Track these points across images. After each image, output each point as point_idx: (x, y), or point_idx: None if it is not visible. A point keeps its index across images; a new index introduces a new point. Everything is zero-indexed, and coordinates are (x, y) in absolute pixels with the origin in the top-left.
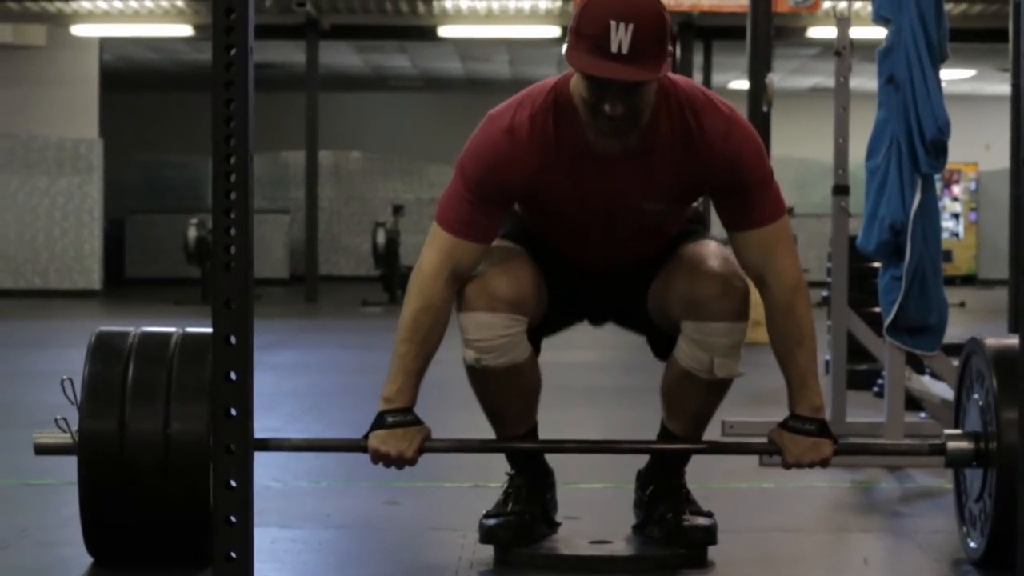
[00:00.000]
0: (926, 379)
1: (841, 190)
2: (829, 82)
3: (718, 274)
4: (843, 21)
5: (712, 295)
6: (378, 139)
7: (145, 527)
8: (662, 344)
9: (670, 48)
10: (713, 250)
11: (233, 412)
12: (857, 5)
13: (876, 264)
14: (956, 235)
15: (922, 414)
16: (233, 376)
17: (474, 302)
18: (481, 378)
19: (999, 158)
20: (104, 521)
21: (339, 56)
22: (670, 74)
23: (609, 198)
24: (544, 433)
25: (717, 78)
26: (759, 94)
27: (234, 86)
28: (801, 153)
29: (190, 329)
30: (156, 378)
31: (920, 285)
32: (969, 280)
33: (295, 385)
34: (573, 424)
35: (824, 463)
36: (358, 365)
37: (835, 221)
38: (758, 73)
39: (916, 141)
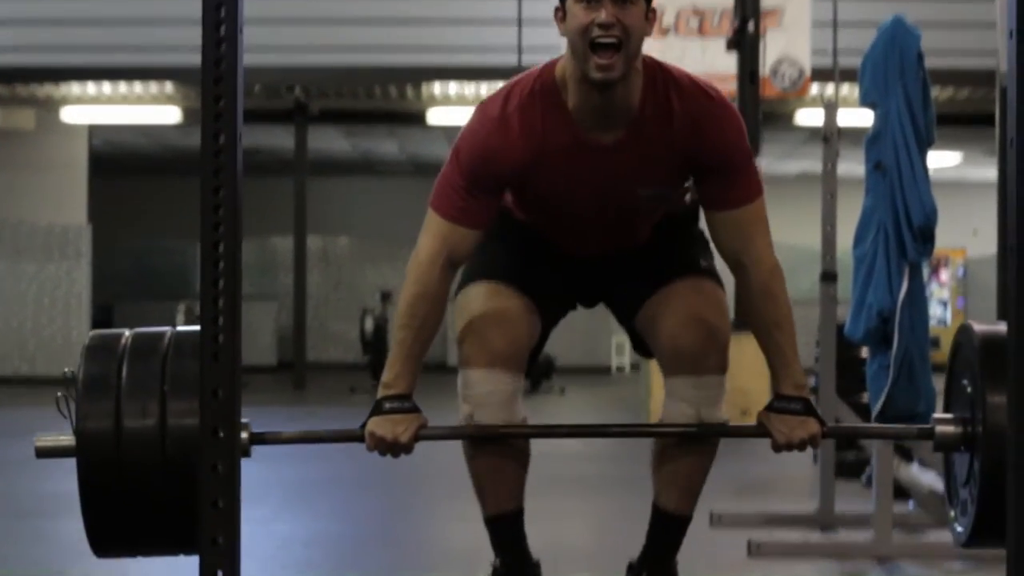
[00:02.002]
0: (915, 468)
1: (829, 277)
2: (817, 167)
3: (703, 330)
4: (830, 107)
5: (695, 352)
6: (366, 224)
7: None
8: (642, 342)
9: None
10: (702, 295)
11: (220, 504)
12: (844, 91)
13: (864, 352)
14: (944, 322)
15: (911, 503)
16: (220, 468)
17: (472, 359)
18: (475, 451)
19: (987, 244)
20: (106, 519)
21: (327, 141)
22: (656, 59)
23: (600, 183)
24: (532, 526)
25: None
26: None
27: (223, 173)
28: (789, 239)
29: (181, 328)
30: (150, 374)
31: (908, 373)
32: None
33: (284, 474)
34: (564, 515)
35: (814, 440)
36: (347, 453)
37: (823, 308)
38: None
39: (903, 228)
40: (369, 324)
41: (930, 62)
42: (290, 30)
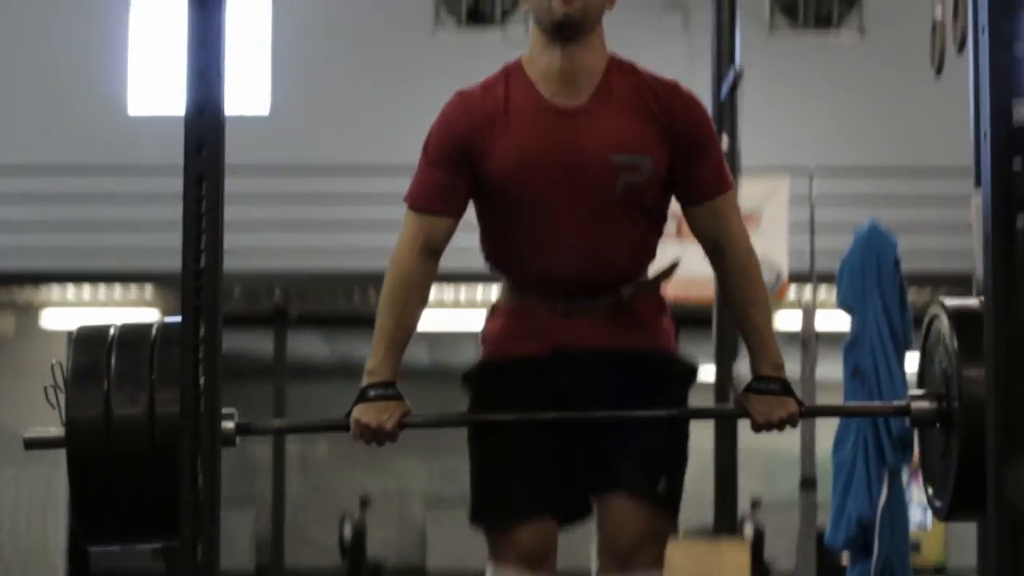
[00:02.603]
0: None
1: (808, 483)
2: (795, 370)
3: (643, 558)
4: (808, 313)
5: (635, 548)
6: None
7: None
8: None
9: None
10: (651, 528)
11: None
12: (822, 293)
13: (845, 558)
14: (924, 527)
15: None
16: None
17: (503, 556)
18: None
19: None
20: (96, 508)
21: (307, 345)
22: None
23: (567, 149)
24: None
25: None
26: (725, 384)
27: (202, 383)
28: (768, 444)
29: (169, 319)
30: (139, 363)
31: None
32: (939, 571)
33: None
34: None
35: (792, 419)
36: None
37: (803, 515)
38: (724, 361)
39: (882, 434)
40: (348, 530)
41: (907, 264)
42: (270, 235)
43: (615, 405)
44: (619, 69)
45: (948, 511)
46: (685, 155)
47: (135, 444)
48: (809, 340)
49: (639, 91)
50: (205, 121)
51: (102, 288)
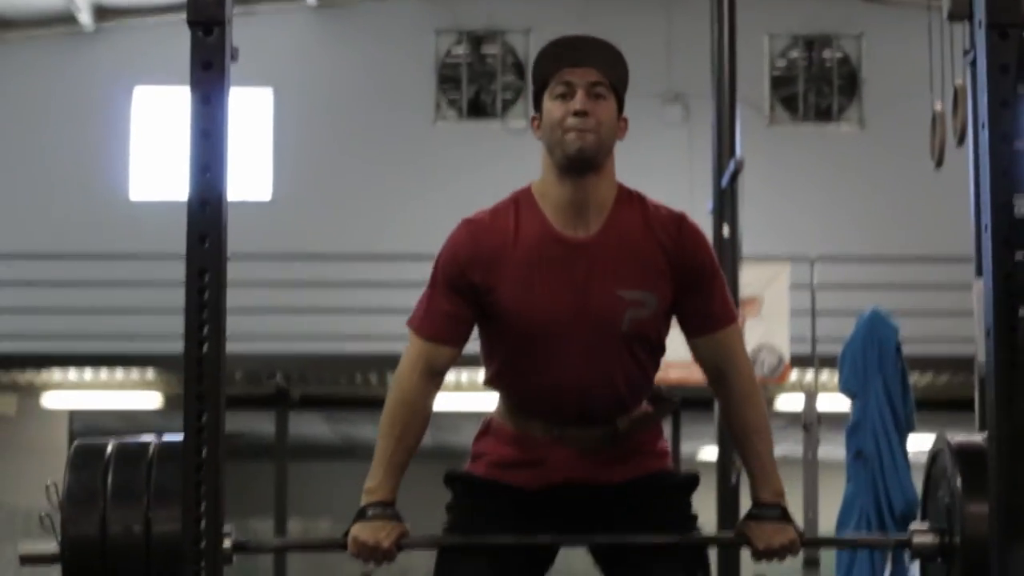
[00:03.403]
0: None
1: (812, 563)
2: (797, 451)
3: None
4: (810, 396)
5: None
6: (347, 507)
7: None
8: None
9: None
10: None
11: None
12: (824, 376)
13: None
14: None
15: None
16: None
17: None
18: None
19: None
20: None
21: (308, 426)
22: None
23: (575, 284)
24: None
25: (686, 447)
26: (728, 465)
27: (204, 469)
28: None
29: (167, 438)
30: (136, 482)
31: None
32: None
33: None
34: None
35: (793, 546)
36: None
37: None
38: (727, 444)
39: (886, 515)
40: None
41: (908, 349)
42: (272, 319)
43: (611, 530)
44: (628, 200)
45: None
46: (690, 289)
47: (131, 563)
48: (811, 423)
49: (647, 225)
50: (208, 214)
51: (103, 371)
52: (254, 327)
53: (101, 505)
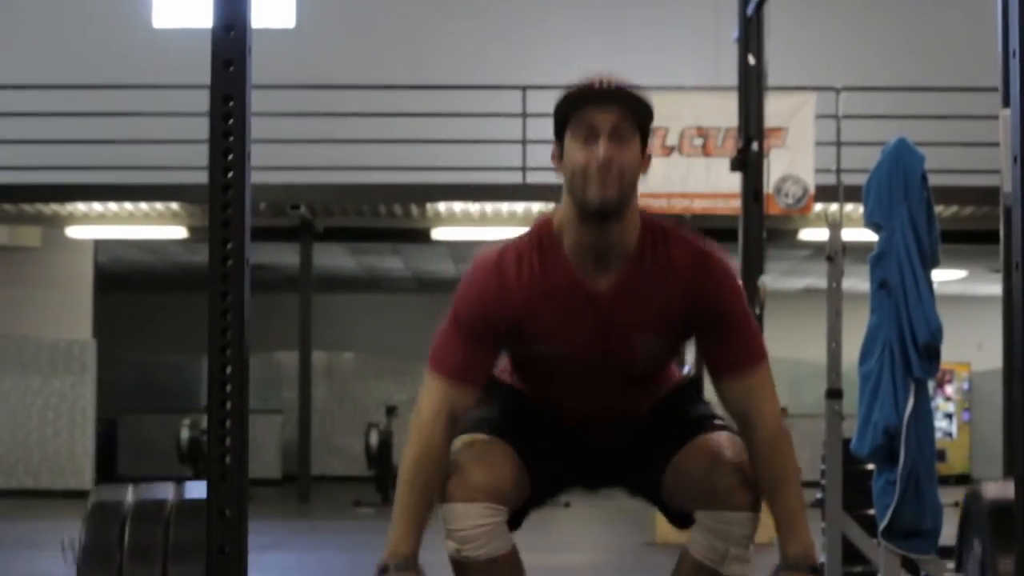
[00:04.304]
0: None
1: (834, 394)
2: (821, 283)
3: (735, 465)
4: (835, 227)
5: (729, 486)
6: (371, 340)
7: None
8: (675, 514)
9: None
10: (727, 440)
11: None
12: (849, 207)
13: (870, 466)
14: (949, 435)
15: None
16: None
17: (453, 493)
18: (463, 570)
19: (991, 358)
20: None
21: (332, 258)
22: (651, 213)
23: (596, 332)
24: None
25: None
26: (752, 296)
27: (230, 296)
28: (794, 354)
29: (187, 495)
30: (153, 539)
31: (914, 489)
32: (963, 479)
33: None
34: None
35: None
36: (352, 567)
37: (828, 425)
38: (751, 275)
39: (909, 346)
40: (374, 438)
41: (934, 180)
42: (296, 149)
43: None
44: (651, 240)
45: None
46: (712, 332)
47: None
48: (836, 254)
49: (667, 269)
50: (233, 39)
51: (127, 203)
52: (278, 158)
53: (118, 562)
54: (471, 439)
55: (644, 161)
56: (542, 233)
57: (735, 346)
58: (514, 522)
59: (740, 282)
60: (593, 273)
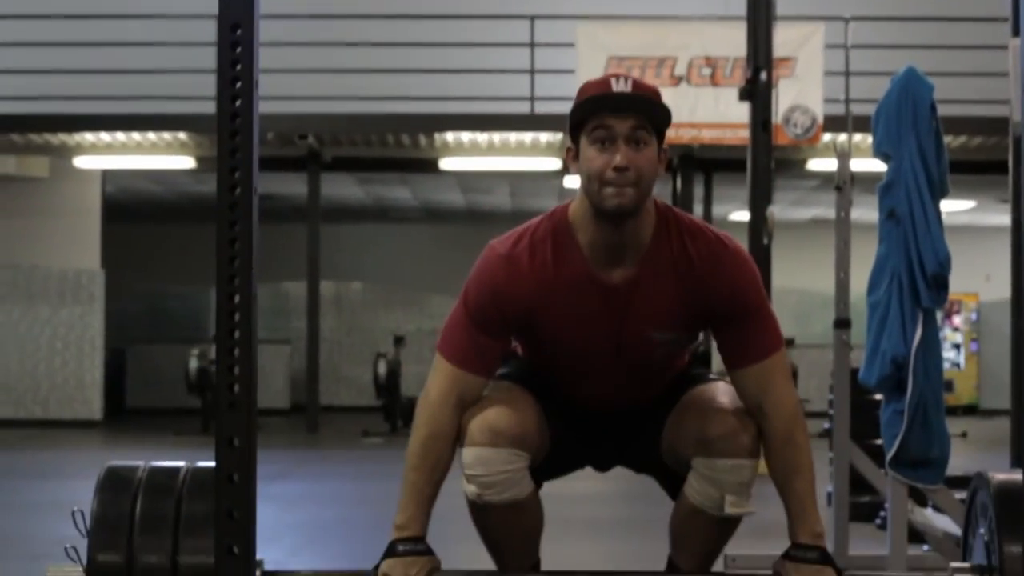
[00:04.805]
0: (929, 512)
1: (843, 323)
2: (829, 213)
3: (730, 412)
4: (843, 156)
5: (724, 432)
6: (379, 270)
7: None
8: (675, 484)
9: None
10: (723, 389)
11: (235, 550)
12: (857, 137)
13: (878, 396)
14: (957, 365)
15: (925, 547)
16: (235, 514)
17: (476, 437)
18: (483, 514)
19: (999, 288)
20: None
21: (340, 188)
22: (668, 204)
23: (611, 326)
24: (544, 567)
25: (717, 209)
26: (760, 226)
27: (238, 225)
28: (802, 284)
29: (200, 464)
30: (164, 511)
31: (922, 419)
32: (971, 410)
33: (297, 517)
34: (575, 558)
35: None
36: (359, 497)
37: (836, 354)
38: (759, 205)
39: (917, 276)
40: (382, 368)
41: (943, 110)
42: (303, 79)
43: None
44: (666, 233)
45: None
46: (729, 323)
47: None
48: (844, 183)
49: (683, 262)
50: None
51: (136, 133)
52: (286, 87)
53: (128, 533)
54: (495, 385)
55: (661, 162)
56: (557, 225)
57: (751, 337)
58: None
59: (757, 271)
60: (607, 267)
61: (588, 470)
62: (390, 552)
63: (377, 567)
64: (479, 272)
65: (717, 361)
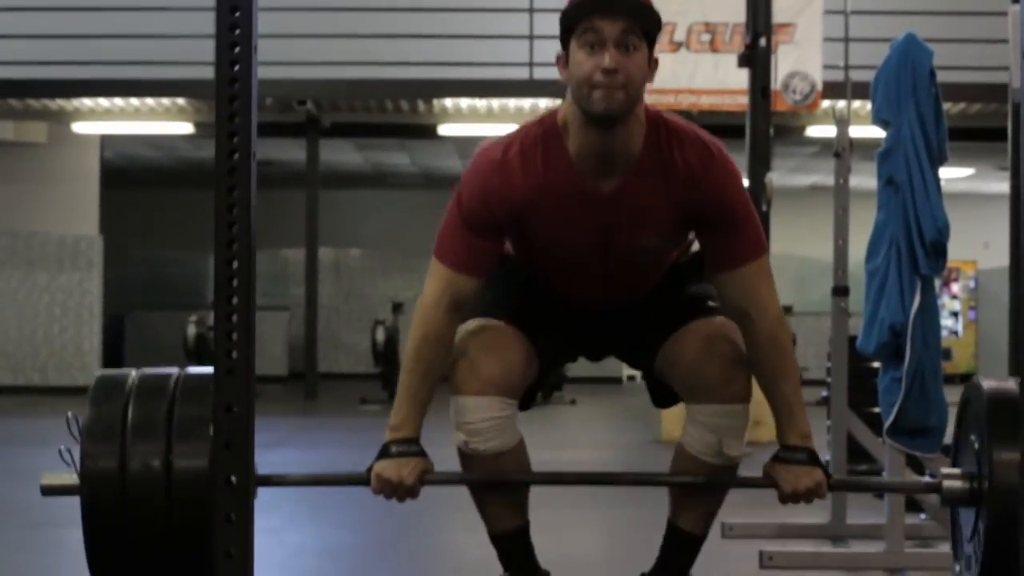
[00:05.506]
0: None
1: (841, 291)
2: (828, 180)
3: (726, 358)
4: (842, 123)
5: (719, 379)
6: (378, 236)
7: (150, 560)
8: (661, 392)
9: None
10: (719, 328)
11: (233, 517)
12: (856, 104)
13: (876, 364)
14: (955, 333)
15: (923, 515)
16: (233, 479)
17: (463, 386)
18: (471, 463)
19: (998, 256)
20: (110, 557)
21: (339, 154)
22: (658, 110)
23: (600, 230)
24: (541, 537)
25: None
26: (758, 192)
27: (237, 190)
28: (800, 251)
29: (191, 369)
30: (156, 414)
31: (920, 387)
32: (968, 378)
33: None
34: (572, 525)
35: (819, 488)
36: (358, 464)
37: (835, 322)
38: (757, 172)
39: (916, 243)
40: (381, 335)
41: (942, 77)
42: (302, 44)
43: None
44: (655, 142)
45: None
46: (713, 229)
47: (151, 497)
48: (843, 150)
49: (671, 171)
50: None
51: (134, 99)
52: (285, 53)
53: (121, 438)
54: (480, 326)
55: (651, 69)
56: (547, 131)
57: (736, 242)
58: (524, 404)
59: (743, 178)
60: (596, 175)
61: (581, 436)
62: (383, 453)
63: (371, 468)
64: (471, 176)
65: None
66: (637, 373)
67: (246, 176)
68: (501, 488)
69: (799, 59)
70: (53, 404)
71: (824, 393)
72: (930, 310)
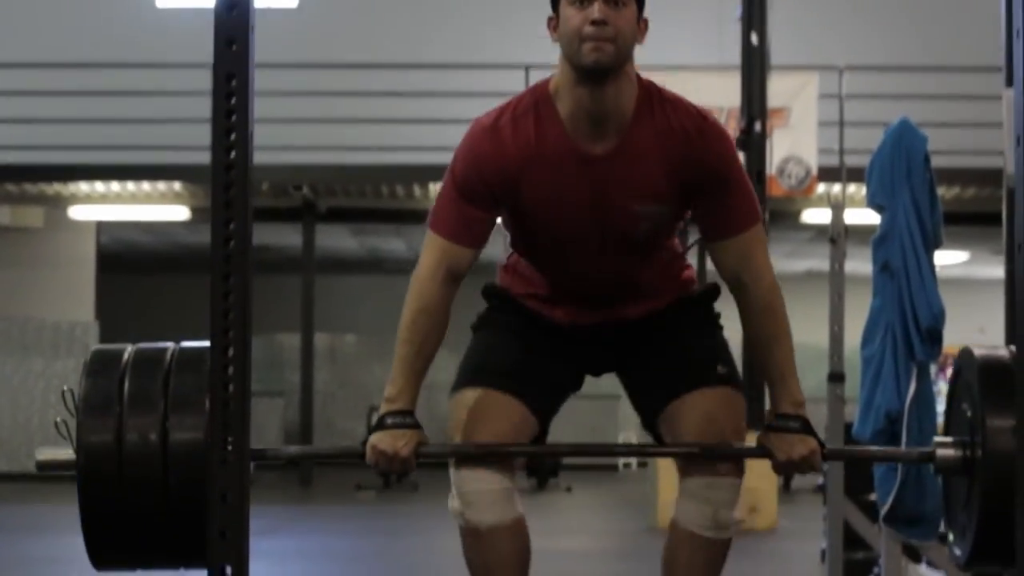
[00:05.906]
0: (923, 568)
1: (837, 377)
2: (823, 265)
3: (724, 435)
4: (837, 208)
5: (720, 428)
6: (373, 322)
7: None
8: (651, 420)
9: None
10: (722, 406)
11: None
12: (851, 188)
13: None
14: None
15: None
16: (229, 571)
17: (461, 458)
18: (469, 540)
19: (993, 341)
20: (106, 532)
21: (334, 239)
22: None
23: (592, 199)
24: None
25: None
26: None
27: (232, 278)
28: (796, 337)
29: (186, 344)
30: (153, 389)
31: (916, 474)
32: None
33: (287, 574)
34: None
35: (813, 456)
36: (352, 553)
37: (830, 408)
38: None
39: (911, 329)
40: (375, 420)
41: (936, 161)
42: (298, 129)
43: (636, 352)
44: (647, 106)
45: (968, 559)
46: (708, 196)
47: (148, 471)
48: (838, 235)
49: (665, 134)
50: (235, 18)
51: (130, 183)
52: (281, 138)
53: (118, 412)
54: (470, 397)
55: (640, 28)
56: (539, 98)
57: (731, 209)
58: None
59: (734, 146)
60: (589, 138)
61: (575, 522)
62: (379, 425)
63: (365, 441)
64: (466, 144)
65: (734, 331)
66: (633, 461)
67: (242, 263)
68: (500, 570)
69: (794, 143)
70: (47, 492)
71: (820, 480)
72: (925, 397)
